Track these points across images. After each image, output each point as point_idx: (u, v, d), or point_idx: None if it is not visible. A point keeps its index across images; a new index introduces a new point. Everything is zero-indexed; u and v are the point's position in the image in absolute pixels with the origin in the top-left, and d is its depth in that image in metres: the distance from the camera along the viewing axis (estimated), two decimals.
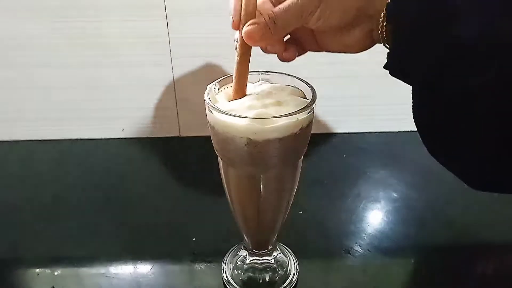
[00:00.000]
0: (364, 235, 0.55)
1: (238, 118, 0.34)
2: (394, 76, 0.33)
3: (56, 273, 0.50)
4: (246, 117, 0.34)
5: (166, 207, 0.61)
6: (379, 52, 0.69)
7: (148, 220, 0.58)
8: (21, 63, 0.70)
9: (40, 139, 0.77)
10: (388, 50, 0.33)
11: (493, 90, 0.27)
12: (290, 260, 0.50)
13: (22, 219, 0.59)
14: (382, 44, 0.34)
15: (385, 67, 0.33)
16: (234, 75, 0.37)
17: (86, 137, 0.78)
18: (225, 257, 0.51)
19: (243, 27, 0.34)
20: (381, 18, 0.31)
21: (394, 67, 0.33)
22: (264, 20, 0.33)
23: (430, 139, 0.34)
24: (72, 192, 0.64)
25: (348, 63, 0.72)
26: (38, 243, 0.55)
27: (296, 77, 0.40)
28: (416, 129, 0.85)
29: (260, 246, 0.47)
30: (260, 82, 0.41)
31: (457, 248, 0.54)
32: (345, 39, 0.35)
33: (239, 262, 0.50)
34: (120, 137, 0.78)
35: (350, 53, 0.37)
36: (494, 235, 0.56)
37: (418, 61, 0.31)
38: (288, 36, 0.39)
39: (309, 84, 0.39)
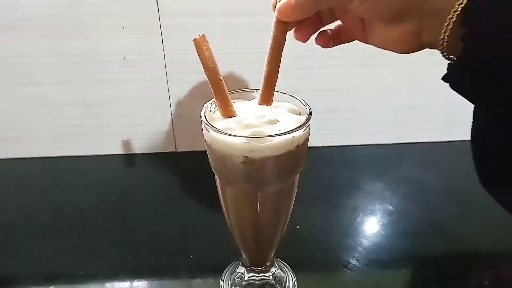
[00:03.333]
0: (361, 248, 0.55)
1: (235, 137, 0.35)
2: (455, 89, 0.28)
3: None
4: (243, 136, 0.34)
5: (163, 223, 0.61)
6: (373, 66, 0.70)
7: (145, 237, 0.58)
8: (16, 81, 0.71)
9: (36, 156, 0.77)
10: (442, 55, 0.30)
11: None
12: (288, 276, 0.50)
13: (18, 236, 0.59)
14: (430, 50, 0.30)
15: (447, 79, 0.29)
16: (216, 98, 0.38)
17: (82, 154, 0.78)
18: (223, 274, 0.51)
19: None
20: (449, 17, 0.27)
21: (461, 79, 0.28)
22: None
23: (484, 168, 0.30)
24: (68, 209, 0.64)
25: (342, 76, 0.73)
26: (35, 261, 0.54)
27: (291, 95, 0.41)
28: (410, 141, 0.85)
29: (258, 262, 0.47)
30: (256, 99, 0.42)
31: (455, 260, 0.55)
32: (388, 33, 0.32)
33: (237, 279, 0.50)
34: (116, 153, 0.78)
35: (394, 51, 0.33)
36: (490, 246, 0.56)
37: (496, 73, 0.26)
38: (339, 22, 0.37)
39: (304, 102, 0.39)
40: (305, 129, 0.37)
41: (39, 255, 0.56)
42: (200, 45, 0.35)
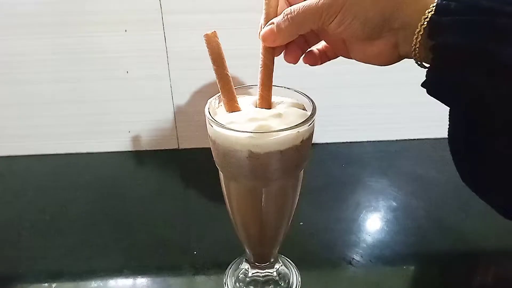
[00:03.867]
0: (365, 245, 0.55)
1: (239, 132, 0.34)
2: (431, 95, 0.31)
3: None
4: (247, 132, 0.34)
5: (166, 220, 0.61)
6: None
7: (148, 234, 0.58)
8: (17, 79, 0.71)
9: (38, 153, 0.77)
10: (416, 64, 0.32)
11: None
12: (292, 272, 0.50)
13: (20, 234, 0.59)
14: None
15: (424, 85, 0.31)
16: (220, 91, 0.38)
17: (85, 151, 0.78)
18: (227, 270, 0.51)
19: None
20: (417, 31, 0.29)
21: (434, 86, 0.31)
22: (279, 19, 0.34)
23: (463, 166, 0.33)
24: (70, 206, 0.64)
25: (346, 73, 0.72)
26: (37, 259, 0.54)
27: (296, 90, 0.40)
28: (414, 137, 0.85)
29: (262, 258, 0.47)
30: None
31: (459, 257, 0.54)
32: (368, 49, 0.34)
33: (241, 275, 0.49)
34: (119, 150, 0.78)
35: (376, 64, 0.35)
36: (494, 243, 0.56)
37: (462, 81, 0.28)
38: (323, 43, 0.40)
39: (309, 97, 0.39)
40: (310, 124, 0.37)
41: (42, 252, 0.55)
42: (211, 40, 0.36)
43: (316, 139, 0.79)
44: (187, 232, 0.59)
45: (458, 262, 0.54)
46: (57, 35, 0.67)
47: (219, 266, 0.51)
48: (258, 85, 0.38)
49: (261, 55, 0.37)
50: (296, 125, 0.35)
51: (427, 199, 0.64)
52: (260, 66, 0.37)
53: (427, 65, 0.31)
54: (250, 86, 0.41)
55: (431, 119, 0.77)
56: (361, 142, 0.80)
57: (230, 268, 0.51)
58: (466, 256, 0.55)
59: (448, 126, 0.32)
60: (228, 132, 0.35)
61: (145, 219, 0.61)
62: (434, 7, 0.28)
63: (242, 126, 0.35)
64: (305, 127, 0.36)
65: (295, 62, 0.38)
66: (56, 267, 0.53)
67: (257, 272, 0.48)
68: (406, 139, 0.80)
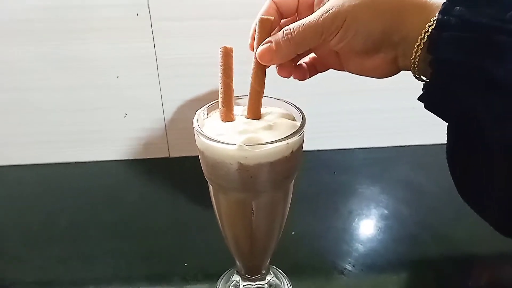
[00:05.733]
0: (356, 254, 0.55)
1: (228, 144, 0.34)
2: (429, 110, 0.31)
3: None
4: (236, 144, 0.34)
5: (156, 230, 0.60)
6: None
7: (138, 244, 0.58)
8: (8, 87, 0.70)
9: (28, 163, 0.76)
10: (415, 77, 0.32)
11: None
12: (283, 283, 0.50)
13: (10, 244, 0.58)
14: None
15: (421, 99, 0.31)
16: (220, 99, 0.38)
17: (74, 160, 0.77)
18: (218, 283, 0.50)
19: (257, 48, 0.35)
20: (417, 45, 0.29)
21: (432, 101, 0.31)
22: (277, 37, 0.33)
23: (460, 182, 0.33)
24: (61, 216, 0.63)
25: (337, 79, 0.72)
26: (27, 269, 0.54)
27: (285, 101, 0.40)
28: (406, 144, 0.85)
29: (253, 270, 0.47)
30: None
31: (451, 264, 0.54)
32: (367, 63, 0.33)
33: (232, 287, 0.49)
34: (109, 159, 0.77)
35: (373, 77, 0.35)
36: (486, 249, 0.56)
37: (459, 97, 0.28)
38: (312, 55, 0.39)
39: (298, 108, 0.39)
40: (300, 135, 0.36)
41: (31, 262, 0.55)
42: (227, 53, 0.37)
43: (307, 146, 0.78)
44: (178, 243, 0.58)
45: (451, 270, 0.53)
46: (47, 43, 0.66)
47: (210, 278, 0.51)
48: (245, 107, 0.38)
49: (251, 79, 0.36)
50: (286, 137, 0.35)
51: (419, 207, 0.64)
52: (250, 90, 0.37)
53: (425, 79, 0.31)
54: (240, 97, 0.41)
55: (424, 125, 0.78)
56: (352, 149, 0.80)
57: (221, 280, 0.50)
58: (459, 264, 0.55)
59: (446, 142, 0.32)
60: (217, 145, 0.35)
61: (135, 229, 0.60)
62: (435, 22, 0.28)
63: (232, 138, 0.35)
64: (295, 139, 0.35)
65: (289, 76, 0.38)
66: (46, 277, 0.52)
67: (248, 284, 0.48)
68: (398, 146, 0.80)
